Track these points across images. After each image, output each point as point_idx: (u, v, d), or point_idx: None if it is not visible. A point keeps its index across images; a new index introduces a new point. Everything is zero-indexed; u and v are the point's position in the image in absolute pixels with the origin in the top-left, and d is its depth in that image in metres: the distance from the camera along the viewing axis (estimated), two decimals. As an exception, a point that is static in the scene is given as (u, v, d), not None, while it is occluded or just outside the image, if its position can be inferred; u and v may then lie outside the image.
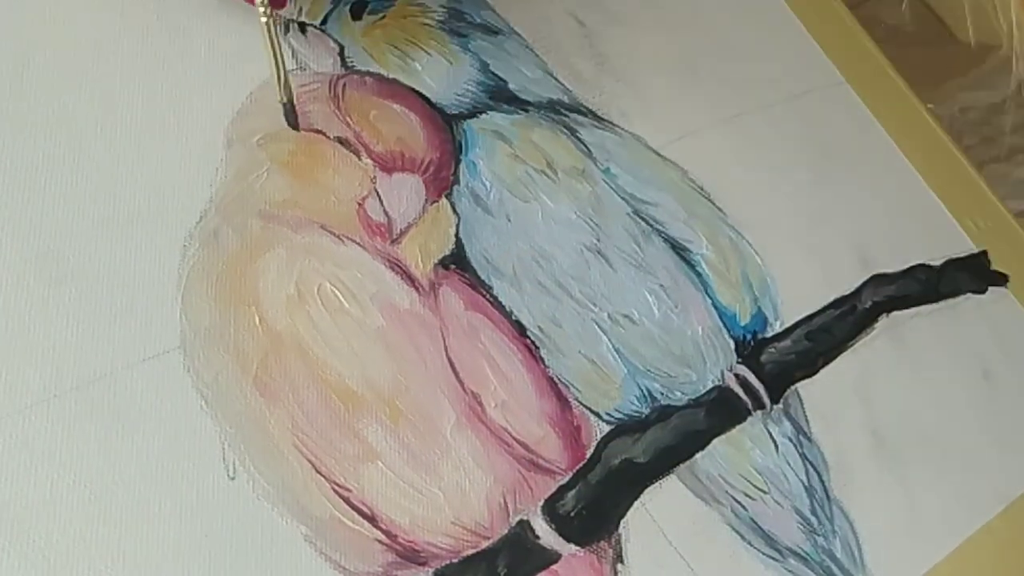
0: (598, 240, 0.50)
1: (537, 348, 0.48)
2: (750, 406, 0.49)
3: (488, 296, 0.48)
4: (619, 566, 0.46)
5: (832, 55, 0.60)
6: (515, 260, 0.49)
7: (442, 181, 0.49)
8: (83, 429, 0.41)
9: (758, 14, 0.59)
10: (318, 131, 0.48)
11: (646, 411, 0.48)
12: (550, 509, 0.45)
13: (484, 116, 0.51)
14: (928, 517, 0.50)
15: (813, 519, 0.49)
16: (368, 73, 0.50)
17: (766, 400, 0.50)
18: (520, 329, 0.48)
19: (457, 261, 0.48)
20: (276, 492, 0.42)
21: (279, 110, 0.48)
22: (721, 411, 0.49)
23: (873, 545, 0.49)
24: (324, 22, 0.50)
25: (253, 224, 0.46)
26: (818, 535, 0.49)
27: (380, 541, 0.43)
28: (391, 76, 0.50)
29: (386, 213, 0.47)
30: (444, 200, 0.49)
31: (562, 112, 0.52)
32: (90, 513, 0.40)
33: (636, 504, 0.47)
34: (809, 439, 0.50)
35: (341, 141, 0.48)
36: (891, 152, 0.60)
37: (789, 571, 0.48)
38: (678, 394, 0.49)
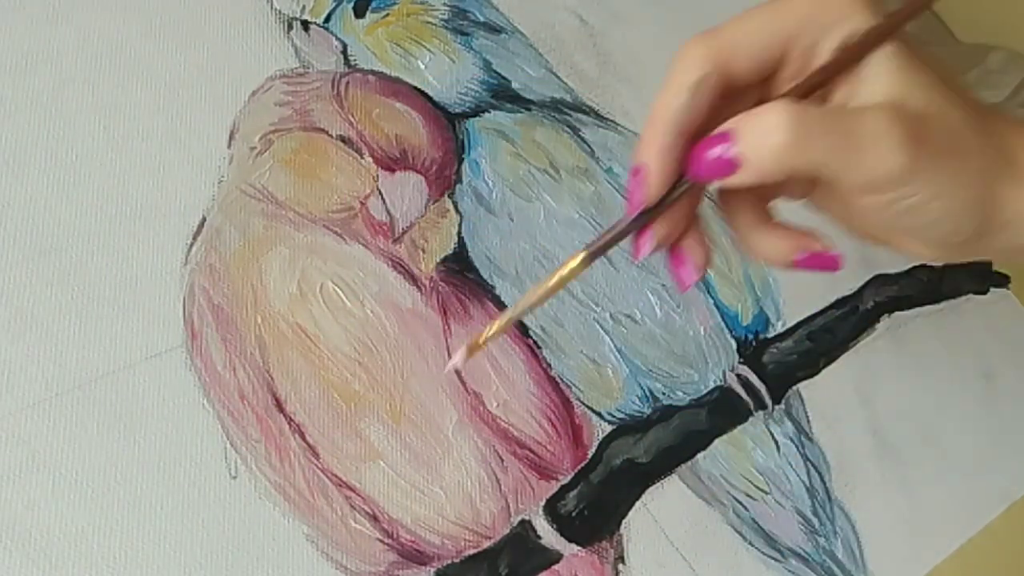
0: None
1: (539, 348, 0.48)
2: (752, 406, 0.49)
3: (490, 295, 0.48)
4: (620, 566, 0.46)
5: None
6: (517, 259, 0.48)
7: (444, 180, 0.49)
8: (85, 427, 0.41)
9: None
10: (321, 130, 0.48)
11: (648, 411, 0.48)
12: (552, 509, 0.45)
13: (487, 115, 0.51)
14: (929, 517, 0.50)
15: (814, 519, 0.49)
16: (371, 71, 0.50)
17: (768, 400, 0.50)
18: (522, 329, 0.48)
19: (459, 260, 0.48)
20: (278, 491, 0.42)
21: (281, 109, 0.48)
22: (723, 411, 0.49)
23: (874, 545, 0.49)
24: (327, 20, 0.50)
25: (256, 223, 0.45)
26: (819, 535, 0.49)
27: (382, 540, 0.43)
28: (394, 74, 0.50)
29: (388, 212, 0.47)
30: (446, 199, 0.49)
31: (565, 111, 0.52)
32: (92, 511, 0.40)
33: (637, 504, 0.47)
34: (811, 439, 0.50)
35: (344, 140, 0.48)
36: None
37: (790, 571, 0.48)
38: (680, 394, 0.49)
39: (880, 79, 0.34)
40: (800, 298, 0.52)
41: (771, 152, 0.32)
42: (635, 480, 0.47)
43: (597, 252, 0.34)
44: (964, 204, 0.35)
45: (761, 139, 0.32)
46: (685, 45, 0.34)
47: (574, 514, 0.45)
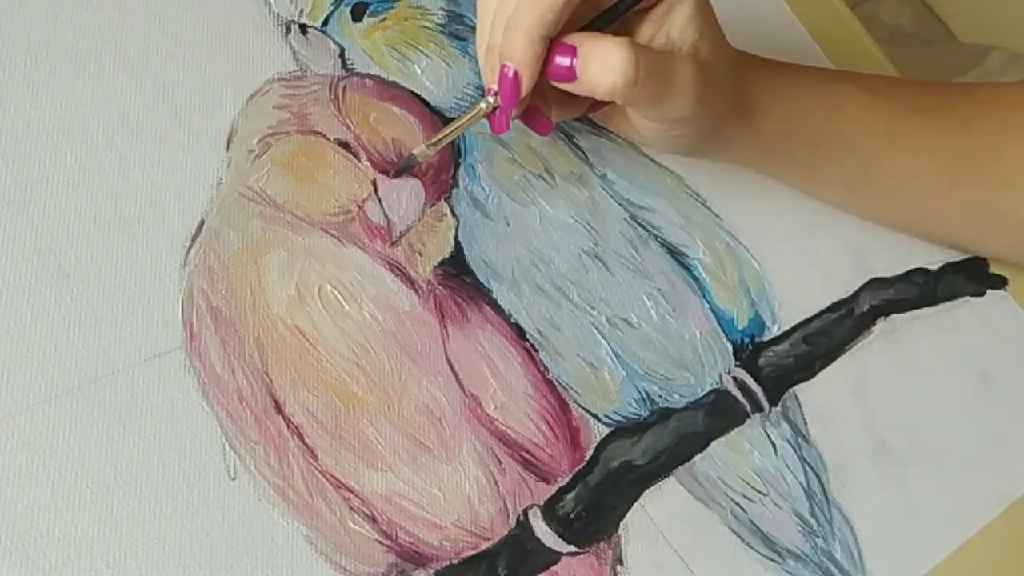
0: (596, 244, 0.50)
1: (536, 351, 0.48)
2: (748, 409, 0.49)
3: (487, 299, 0.48)
4: (619, 567, 0.46)
5: (833, 56, 0.60)
6: (514, 263, 0.49)
7: (441, 184, 0.49)
8: (84, 429, 0.41)
9: (758, 15, 0.59)
10: (318, 133, 0.48)
11: (645, 414, 0.48)
12: (550, 511, 0.45)
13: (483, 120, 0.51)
14: (927, 519, 0.50)
15: (812, 521, 0.49)
16: (368, 75, 0.50)
17: (764, 403, 0.50)
18: (519, 332, 0.48)
19: (456, 264, 0.48)
20: (277, 493, 0.42)
21: (279, 113, 0.48)
22: (719, 414, 0.49)
23: (872, 547, 0.49)
24: (325, 24, 0.51)
25: (254, 225, 0.46)
26: (817, 537, 0.49)
27: (380, 542, 0.43)
28: (391, 79, 0.50)
29: (386, 216, 0.47)
30: (443, 203, 0.49)
31: (561, 116, 0.52)
32: (91, 512, 0.40)
33: (635, 506, 0.47)
34: (808, 442, 0.50)
35: (341, 143, 0.48)
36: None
37: (788, 572, 0.48)
38: (676, 397, 0.49)
39: (688, 29, 0.42)
40: (796, 301, 0.52)
41: (607, 88, 0.39)
42: (633, 482, 0.47)
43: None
44: (704, 133, 0.45)
45: (601, 73, 0.39)
46: None
47: (572, 516, 0.46)
